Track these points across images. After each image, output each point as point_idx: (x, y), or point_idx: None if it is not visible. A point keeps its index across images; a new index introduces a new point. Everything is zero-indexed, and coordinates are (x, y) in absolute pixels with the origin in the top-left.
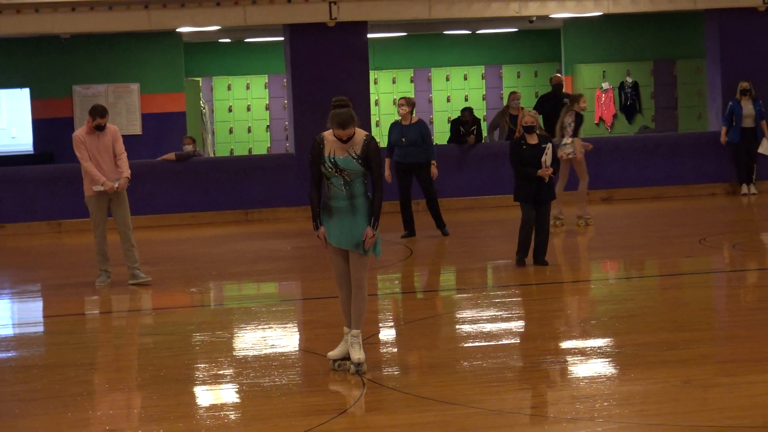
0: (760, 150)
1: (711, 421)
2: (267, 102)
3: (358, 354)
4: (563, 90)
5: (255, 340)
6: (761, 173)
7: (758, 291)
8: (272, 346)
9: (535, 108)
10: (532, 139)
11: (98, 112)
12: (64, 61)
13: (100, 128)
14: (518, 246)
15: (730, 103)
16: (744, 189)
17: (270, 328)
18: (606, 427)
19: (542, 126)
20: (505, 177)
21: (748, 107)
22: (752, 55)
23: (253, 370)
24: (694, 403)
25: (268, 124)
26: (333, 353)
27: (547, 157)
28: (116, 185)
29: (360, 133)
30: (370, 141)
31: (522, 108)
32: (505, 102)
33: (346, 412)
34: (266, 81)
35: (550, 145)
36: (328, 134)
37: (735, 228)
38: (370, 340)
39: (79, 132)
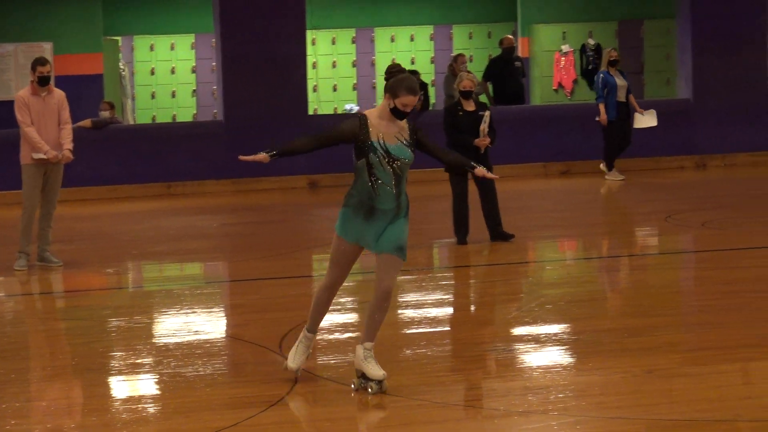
0: (637, 125)
1: (676, 415)
2: (193, 64)
3: (378, 370)
4: (516, 54)
5: (177, 325)
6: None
7: (728, 273)
8: (196, 332)
9: (484, 75)
10: (469, 106)
11: (39, 61)
12: None
13: (45, 81)
14: (454, 224)
15: (601, 74)
16: (614, 174)
17: (194, 312)
18: (561, 420)
19: (491, 93)
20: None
21: (621, 79)
22: (725, 15)
23: (175, 358)
24: (657, 394)
25: (195, 88)
26: (293, 364)
27: (485, 126)
28: (60, 155)
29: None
30: (419, 129)
31: (469, 72)
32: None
33: (277, 404)
34: (193, 41)
35: (488, 112)
36: (372, 115)
37: (704, 204)
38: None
39: (23, 93)
